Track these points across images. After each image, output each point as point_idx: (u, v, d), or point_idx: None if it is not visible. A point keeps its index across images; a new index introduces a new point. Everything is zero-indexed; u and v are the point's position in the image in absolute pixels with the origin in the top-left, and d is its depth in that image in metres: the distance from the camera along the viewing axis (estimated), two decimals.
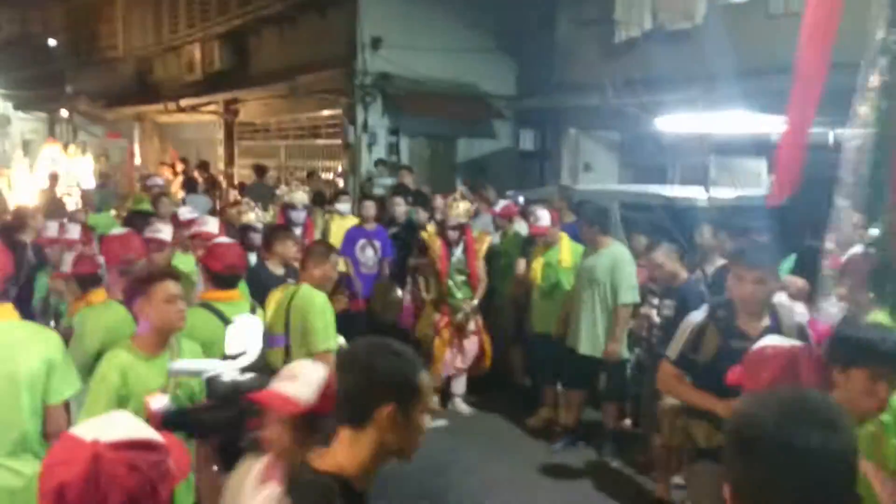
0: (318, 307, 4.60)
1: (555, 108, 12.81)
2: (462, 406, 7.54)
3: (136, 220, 6.76)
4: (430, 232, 7.58)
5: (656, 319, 5.80)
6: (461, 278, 7.28)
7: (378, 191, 11.09)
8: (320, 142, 14.71)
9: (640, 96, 9.28)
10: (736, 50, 8.69)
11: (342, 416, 1.95)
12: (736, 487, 1.35)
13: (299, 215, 7.93)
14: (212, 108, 17.45)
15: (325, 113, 14.18)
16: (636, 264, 6.77)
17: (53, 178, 14.47)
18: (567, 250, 6.87)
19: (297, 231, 7.46)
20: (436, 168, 13.68)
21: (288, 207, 7.90)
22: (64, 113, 23.41)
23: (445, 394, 7.55)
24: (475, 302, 7.32)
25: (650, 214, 7.71)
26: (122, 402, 3.34)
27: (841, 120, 7.19)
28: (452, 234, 7.26)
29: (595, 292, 6.34)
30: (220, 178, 16.49)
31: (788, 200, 7.44)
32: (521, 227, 8.06)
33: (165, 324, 3.49)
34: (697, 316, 3.84)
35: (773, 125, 7.62)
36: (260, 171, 13.49)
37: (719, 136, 9.13)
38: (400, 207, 9.03)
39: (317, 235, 8.31)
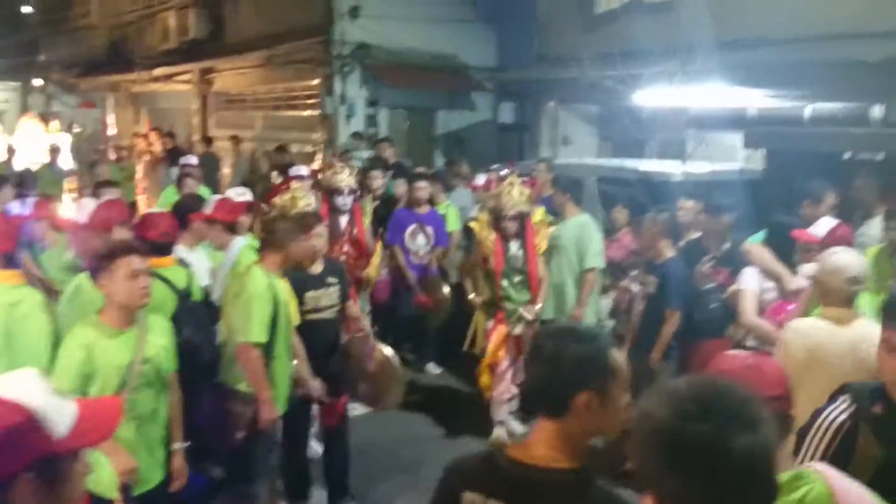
0: (251, 293, 4.18)
1: (535, 81, 12.72)
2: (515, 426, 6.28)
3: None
4: (480, 221, 6.19)
5: (635, 290, 5.79)
6: (518, 278, 5.97)
7: (356, 164, 11.00)
8: (298, 113, 14.56)
9: (619, 69, 9.22)
10: (714, 23, 8.65)
11: (540, 408, 1.95)
12: (667, 501, 1.32)
13: (346, 201, 6.74)
14: (187, 77, 17.18)
15: (303, 83, 14.01)
16: (616, 238, 6.78)
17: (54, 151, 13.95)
18: (539, 219, 6.85)
19: (344, 219, 6.72)
20: (414, 140, 13.59)
21: (333, 193, 6.70)
22: (37, 82, 23.00)
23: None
24: (538, 307, 5.97)
25: (627, 189, 7.71)
26: (87, 378, 3.31)
27: (817, 94, 7.25)
28: (510, 227, 5.86)
29: (562, 259, 6.39)
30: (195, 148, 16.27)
31: (761, 174, 7.50)
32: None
33: (128, 300, 3.43)
34: (836, 414, 2.52)
35: (749, 98, 7.61)
36: (208, 141, 13.37)
37: (697, 110, 9.11)
38: (378, 181, 8.94)
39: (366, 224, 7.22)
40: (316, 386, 4.65)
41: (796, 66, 7.43)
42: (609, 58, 9.39)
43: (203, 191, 8.32)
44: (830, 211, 5.71)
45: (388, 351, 5.14)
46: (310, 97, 13.98)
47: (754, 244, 5.07)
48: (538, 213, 6.14)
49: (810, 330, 3.54)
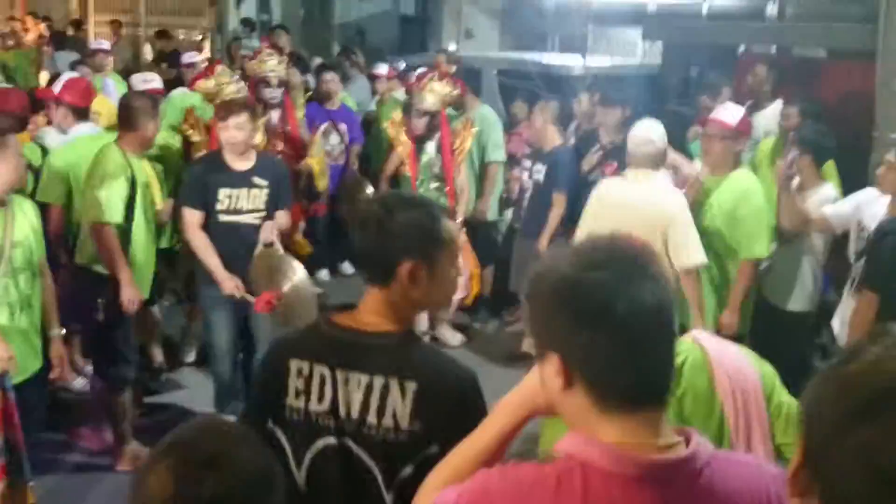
0: (104, 172, 4.06)
1: None
2: (448, 333, 6.08)
3: None
4: (394, 122, 5.74)
5: (528, 183, 5.76)
6: (435, 185, 5.56)
7: (244, 52, 10.42)
8: None
9: None
10: None
11: (366, 275, 1.92)
12: (573, 361, 1.27)
13: (275, 93, 5.91)
14: None
15: None
16: (516, 132, 6.69)
17: None
18: None
19: (275, 114, 5.91)
20: (311, 29, 12.99)
21: (260, 83, 5.86)
22: None
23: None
24: (458, 220, 5.40)
25: (528, 82, 7.62)
26: None
27: None
28: (418, 125, 5.48)
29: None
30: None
31: (658, 67, 7.51)
32: (399, 94, 7.78)
33: (12, 179, 3.31)
34: None
35: None
36: (77, 25, 12.42)
37: (598, 4, 9.01)
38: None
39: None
40: (230, 284, 4.16)
41: None
42: None
43: (116, 79, 7.79)
44: (725, 102, 5.76)
45: (300, 273, 4.26)
46: None
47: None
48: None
49: (608, 184, 4.40)
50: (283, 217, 4.38)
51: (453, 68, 7.62)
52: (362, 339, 1.88)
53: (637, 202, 4.04)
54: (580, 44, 9.20)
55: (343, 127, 7.12)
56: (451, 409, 1.80)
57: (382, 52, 10.03)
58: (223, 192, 4.21)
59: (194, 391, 5.02)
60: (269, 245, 4.16)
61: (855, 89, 5.77)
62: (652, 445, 1.25)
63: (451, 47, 11.48)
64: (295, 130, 6.14)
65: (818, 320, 4.60)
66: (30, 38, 13.05)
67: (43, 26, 13.55)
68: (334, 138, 7.06)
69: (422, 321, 5.73)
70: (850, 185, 4.67)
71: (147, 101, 4.37)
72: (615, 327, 1.23)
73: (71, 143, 4.68)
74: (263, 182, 4.28)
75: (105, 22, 13.70)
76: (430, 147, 5.47)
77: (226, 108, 4.27)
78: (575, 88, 6.84)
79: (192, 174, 4.38)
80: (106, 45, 8.41)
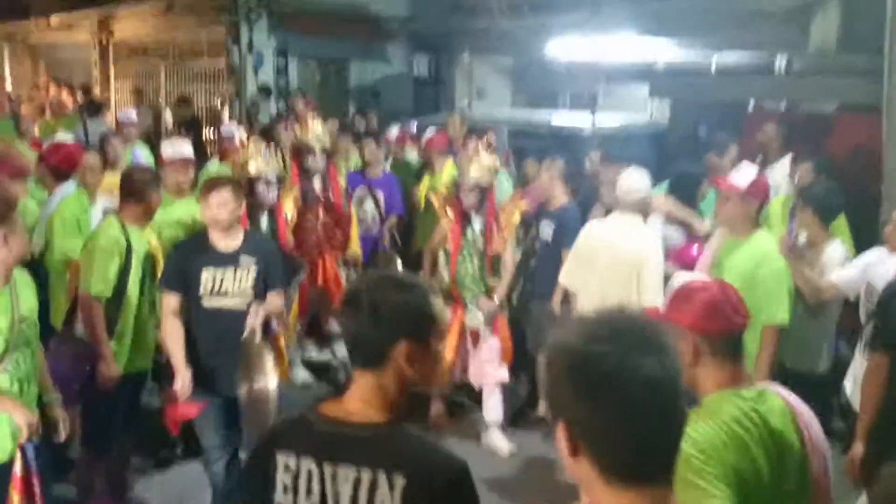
0: (96, 243, 4.05)
1: (448, 33, 12.52)
2: (498, 440, 5.32)
3: None
4: (440, 194, 5.43)
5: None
6: (478, 263, 5.21)
7: (263, 118, 10.63)
8: (203, 64, 13.97)
9: (527, 18, 9.11)
10: None
11: (356, 360, 1.87)
12: (577, 433, 1.29)
13: (318, 161, 5.80)
14: (86, 26, 16.32)
15: (208, 32, 13.42)
16: (528, 191, 6.71)
17: None
18: (448, 174, 6.74)
19: (317, 182, 5.85)
20: (327, 93, 13.23)
21: (304, 152, 5.77)
22: None
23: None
24: (496, 300, 5.18)
25: (539, 141, 7.68)
26: None
27: (722, 44, 7.29)
28: (469, 200, 5.09)
29: None
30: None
31: (668, 124, 7.56)
32: (412, 155, 7.86)
33: (19, 254, 3.24)
34: None
35: (657, 50, 7.61)
36: (86, 91, 12.55)
37: (607, 62, 9.11)
38: (286, 134, 8.63)
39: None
40: (180, 379, 3.79)
41: (704, 14, 7.45)
42: (519, 8, 9.27)
43: (143, 148, 7.87)
44: (733, 161, 5.77)
45: (270, 380, 3.84)
46: (215, 47, 13.41)
47: (657, 194, 5.08)
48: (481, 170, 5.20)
49: (594, 224, 4.83)
50: (274, 300, 4.03)
51: (464, 129, 7.73)
52: (349, 431, 1.82)
53: (618, 242, 4.51)
54: (590, 101, 9.30)
55: (380, 195, 6.78)
56: (441, 501, 1.76)
57: (397, 114, 10.18)
58: (206, 274, 3.86)
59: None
60: (253, 333, 3.80)
61: (863, 144, 5.76)
62: None
63: (464, 107, 11.67)
64: (338, 199, 5.98)
65: (832, 378, 4.52)
66: (64, 102, 13.40)
67: (66, 92, 13.92)
68: (369, 205, 6.77)
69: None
70: (861, 239, 4.63)
71: (149, 173, 4.40)
72: (613, 400, 1.23)
73: (64, 205, 4.77)
74: (250, 261, 3.94)
75: (126, 88, 14.04)
76: (477, 223, 5.17)
77: (208, 184, 3.96)
78: (585, 147, 6.88)
79: (174, 253, 4.02)
80: (133, 116, 8.37)
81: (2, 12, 18.58)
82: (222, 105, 12.94)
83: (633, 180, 4.57)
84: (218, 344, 3.84)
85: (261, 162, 4.90)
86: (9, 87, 19.47)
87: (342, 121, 9.80)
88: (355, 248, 6.16)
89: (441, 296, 4.15)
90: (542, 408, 5.78)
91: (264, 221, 5.03)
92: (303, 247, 5.75)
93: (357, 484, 1.79)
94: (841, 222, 4.73)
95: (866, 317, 3.86)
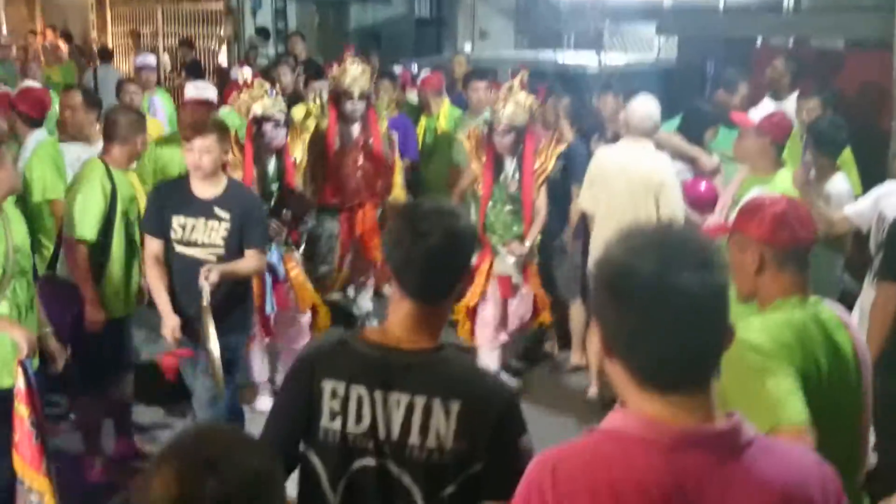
0: (82, 186, 4.01)
1: None
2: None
3: None
4: (472, 135, 5.00)
5: None
6: (509, 207, 4.89)
7: (262, 61, 10.49)
8: (200, 6, 13.74)
9: None
10: None
11: (422, 295, 1.82)
12: (610, 337, 1.34)
13: (356, 106, 5.49)
14: None
15: None
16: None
17: None
18: (444, 116, 6.72)
19: (355, 128, 5.58)
20: (326, 36, 13.04)
21: (342, 95, 5.46)
22: None
23: None
24: (527, 244, 4.88)
25: (544, 81, 7.59)
26: None
27: None
28: (503, 142, 4.76)
29: None
30: (93, 46, 15.33)
31: (676, 63, 7.48)
32: (413, 96, 7.80)
33: (12, 187, 3.38)
34: None
35: None
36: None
37: (612, 1, 8.98)
38: (286, 77, 8.50)
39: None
40: (167, 325, 3.69)
41: None
42: None
43: (163, 95, 7.72)
44: (743, 98, 5.73)
45: (214, 347, 3.64)
46: None
47: (665, 130, 5.06)
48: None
49: (606, 150, 4.87)
50: (250, 259, 3.83)
51: (467, 69, 7.64)
52: (400, 357, 1.82)
53: (631, 167, 4.58)
54: (596, 41, 9.18)
55: (395, 135, 6.34)
56: (495, 426, 1.77)
57: (398, 56, 10.05)
58: (177, 220, 3.75)
59: None
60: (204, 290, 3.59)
61: (873, 79, 5.71)
62: (689, 420, 1.29)
63: (467, 48, 11.52)
64: (378, 146, 5.64)
65: None
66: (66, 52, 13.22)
67: (61, 41, 13.70)
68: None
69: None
70: (869, 174, 4.62)
71: (133, 115, 4.32)
72: (644, 310, 1.27)
73: (40, 149, 4.73)
74: (225, 214, 3.74)
75: (124, 33, 13.84)
76: (510, 165, 4.87)
77: (192, 127, 3.75)
78: (591, 86, 6.82)
79: (153, 197, 3.90)
80: (151, 60, 7.88)
81: None
82: (220, 47, 12.77)
83: (645, 107, 4.64)
84: (186, 290, 3.71)
85: (267, 102, 4.70)
86: (4, 33, 19.22)
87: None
88: (399, 193, 5.82)
89: None
90: (549, 345, 5.85)
91: (272, 164, 4.82)
92: (340, 194, 5.58)
93: (410, 409, 1.79)
94: (847, 157, 4.72)
95: (876, 248, 3.88)
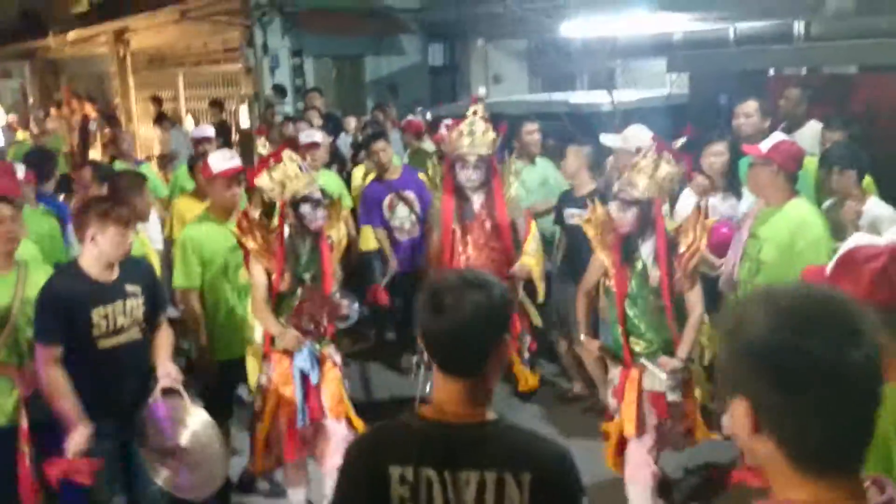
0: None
1: (461, 20, 12.48)
2: None
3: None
4: (594, 214, 4.04)
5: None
6: (654, 304, 3.92)
7: (279, 118, 10.67)
8: (220, 68, 14.07)
9: (540, 0, 9.06)
10: None
11: (453, 369, 1.80)
12: (767, 417, 1.23)
13: (473, 176, 4.66)
14: (103, 39, 16.51)
15: (222, 37, 13.51)
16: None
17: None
18: None
19: (476, 200, 4.75)
20: (343, 89, 13.27)
21: (457, 162, 4.66)
22: None
23: None
24: (681, 355, 3.84)
25: (558, 123, 7.63)
26: None
27: (738, 14, 7.20)
28: (625, 217, 3.84)
29: None
30: (118, 113, 15.72)
31: (687, 98, 7.48)
32: (428, 144, 7.86)
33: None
34: None
35: (674, 23, 7.53)
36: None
37: (623, 39, 9.03)
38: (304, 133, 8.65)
39: None
40: (78, 436, 3.26)
41: None
42: None
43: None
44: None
45: (198, 414, 3.52)
46: (231, 50, 13.50)
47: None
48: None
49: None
50: (165, 326, 3.71)
51: (480, 110, 7.66)
52: (462, 433, 1.78)
53: None
54: (608, 80, 9.24)
55: (409, 195, 6.17)
56: (563, 494, 1.78)
57: (415, 106, 10.17)
58: (97, 314, 3.40)
59: None
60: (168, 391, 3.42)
61: (887, 103, 5.67)
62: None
63: (481, 93, 11.64)
64: (504, 221, 4.72)
65: None
66: (75, 118, 13.59)
67: (89, 106, 14.11)
68: (402, 211, 6.21)
69: None
70: (886, 199, 4.56)
71: (134, 178, 4.47)
72: (813, 396, 1.19)
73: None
74: (136, 289, 3.53)
75: (145, 99, 14.17)
76: (644, 248, 3.87)
77: (116, 210, 3.42)
78: (605, 125, 6.83)
79: (51, 301, 3.37)
80: (209, 132, 7.61)
81: (22, 31, 18.86)
82: (237, 107, 13.02)
83: (641, 133, 4.75)
84: (119, 380, 3.48)
85: (304, 179, 3.97)
86: (31, 101, 19.76)
87: (365, 120, 9.75)
88: (528, 261, 4.73)
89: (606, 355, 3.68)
90: (579, 387, 5.75)
91: (305, 248, 4.05)
92: None
93: (482, 486, 1.74)
94: (868, 183, 4.66)
95: None
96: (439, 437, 1.78)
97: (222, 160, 4.51)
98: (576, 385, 5.82)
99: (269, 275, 3.93)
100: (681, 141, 3.92)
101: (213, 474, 3.46)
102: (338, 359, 4.16)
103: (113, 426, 3.41)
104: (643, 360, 3.85)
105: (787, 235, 3.91)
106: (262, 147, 4.28)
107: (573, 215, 5.46)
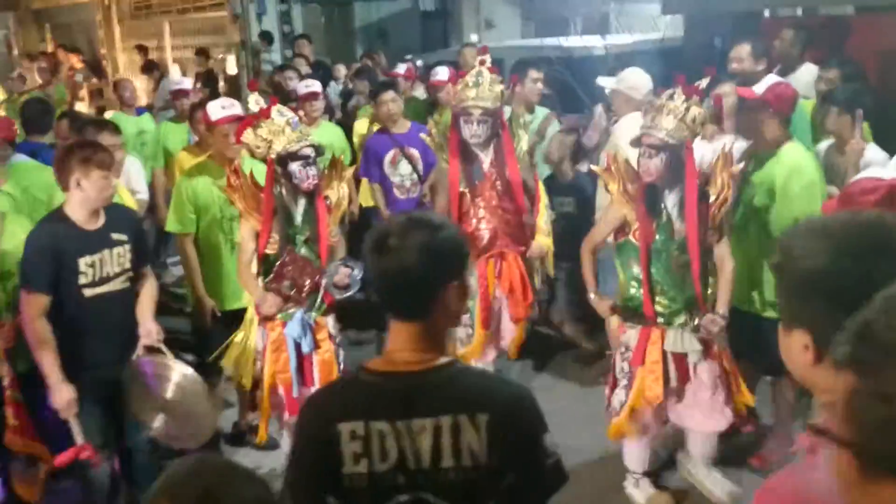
0: None
1: None
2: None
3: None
4: (611, 160, 3.78)
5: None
6: (678, 258, 3.74)
7: (266, 67, 10.49)
8: (206, 15, 13.79)
9: None
10: None
11: (400, 312, 1.78)
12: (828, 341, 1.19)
13: (478, 131, 4.30)
14: None
15: None
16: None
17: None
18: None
19: (485, 158, 4.42)
20: (332, 36, 13.03)
21: (461, 116, 4.31)
22: None
23: None
24: (721, 312, 3.65)
25: (550, 67, 7.52)
26: None
27: None
28: (650, 164, 3.54)
29: None
30: (103, 63, 15.47)
31: (683, 41, 7.36)
32: (420, 91, 7.73)
33: None
34: None
35: None
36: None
37: None
38: (293, 82, 8.45)
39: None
40: (61, 397, 3.32)
41: None
42: None
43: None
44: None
45: (181, 370, 3.45)
46: None
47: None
48: None
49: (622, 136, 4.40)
50: (150, 278, 3.69)
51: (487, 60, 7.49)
52: (414, 381, 1.75)
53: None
54: (602, 25, 9.09)
55: (414, 152, 5.83)
56: (522, 433, 1.75)
57: (406, 52, 9.99)
58: (84, 262, 3.39)
59: None
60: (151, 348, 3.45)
61: (884, 45, 5.57)
62: None
63: (473, 39, 11.44)
64: (517, 179, 4.38)
65: None
66: (63, 70, 13.33)
67: (75, 58, 13.84)
68: (404, 168, 5.87)
69: None
70: (882, 141, 4.50)
71: (102, 126, 4.46)
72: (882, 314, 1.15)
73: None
74: (123, 237, 3.51)
75: (131, 48, 13.94)
76: (670, 198, 3.61)
77: (94, 154, 3.39)
78: (597, 69, 6.73)
79: (34, 246, 3.35)
80: (187, 83, 7.60)
81: None
82: (227, 55, 12.79)
83: (640, 77, 4.80)
84: (105, 331, 3.47)
85: (292, 135, 3.71)
86: (15, 53, 19.41)
87: (356, 68, 9.54)
88: (543, 240, 4.49)
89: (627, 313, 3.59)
90: (567, 328, 5.66)
91: (299, 209, 3.84)
92: (472, 245, 4.20)
93: (438, 432, 1.72)
94: (864, 130, 4.59)
95: None
96: (390, 388, 1.75)
97: (220, 108, 4.43)
98: (566, 325, 5.65)
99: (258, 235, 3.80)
100: (705, 81, 3.69)
101: (201, 426, 3.47)
102: (334, 330, 3.98)
103: (100, 378, 3.42)
104: (671, 318, 3.63)
105: (781, 180, 3.86)
106: (255, 103, 3.84)
107: (563, 203, 5.28)
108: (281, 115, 3.75)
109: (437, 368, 1.76)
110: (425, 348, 1.77)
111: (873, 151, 4.24)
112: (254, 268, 3.84)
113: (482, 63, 4.33)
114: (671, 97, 3.50)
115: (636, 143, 3.57)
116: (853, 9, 6.52)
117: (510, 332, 4.57)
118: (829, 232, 1.25)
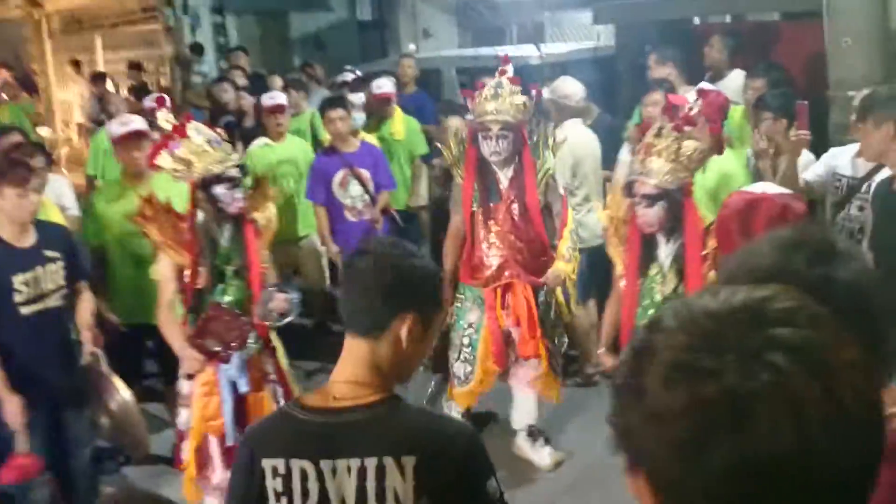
0: None
1: None
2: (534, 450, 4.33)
3: None
4: (614, 213, 3.45)
5: None
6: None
7: (196, 79, 10.31)
8: (139, 28, 13.53)
9: None
10: None
11: (352, 326, 1.74)
12: None
13: (497, 148, 3.99)
14: (17, 2, 15.74)
15: None
16: None
17: None
18: (399, 121, 6.61)
19: (503, 177, 4.10)
20: (269, 47, 12.88)
21: (479, 132, 4.00)
22: None
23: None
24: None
25: (488, 77, 7.57)
26: None
27: None
28: (647, 214, 3.22)
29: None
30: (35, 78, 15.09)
31: (616, 50, 7.49)
32: (357, 97, 7.71)
33: None
34: None
35: None
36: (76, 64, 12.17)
37: None
38: (228, 94, 8.31)
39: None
40: (13, 409, 3.33)
41: None
42: None
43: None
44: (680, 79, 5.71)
45: (124, 393, 3.51)
46: (149, 9, 12.96)
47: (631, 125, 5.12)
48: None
49: (570, 142, 4.41)
50: (87, 292, 3.70)
51: (416, 72, 7.56)
52: (343, 419, 1.68)
53: (595, 146, 4.93)
54: (537, 34, 9.19)
55: (364, 173, 5.58)
56: (456, 476, 1.66)
57: (343, 63, 9.94)
58: (18, 280, 3.36)
59: None
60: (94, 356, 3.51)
61: (809, 50, 5.74)
62: None
63: (411, 49, 11.46)
64: (534, 202, 4.03)
65: None
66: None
67: (6, 73, 13.48)
68: (355, 189, 5.59)
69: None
70: (812, 146, 4.63)
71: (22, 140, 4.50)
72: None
73: None
74: (56, 254, 3.50)
75: (62, 63, 13.60)
76: (663, 250, 3.27)
77: (10, 176, 3.34)
78: (533, 77, 6.80)
79: None
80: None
81: None
82: (158, 69, 12.58)
83: (572, 85, 5.04)
84: (44, 348, 3.46)
85: (214, 156, 3.41)
86: None
87: (290, 77, 9.49)
88: (563, 267, 4.05)
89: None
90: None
91: (225, 234, 3.52)
92: (481, 271, 4.07)
93: (363, 474, 1.66)
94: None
95: (833, 206, 3.89)
96: (318, 424, 1.70)
97: (118, 125, 4.55)
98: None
99: (182, 270, 3.44)
100: (692, 94, 3.58)
101: (138, 440, 3.57)
102: (271, 368, 3.61)
103: (40, 395, 3.42)
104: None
105: (713, 185, 3.97)
106: (165, 121, 3.56)
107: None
108: (198, 133, 3.44)
109: (370, 406, 1.69)
110: (366, 380, 1.71)
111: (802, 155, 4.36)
112: (178, 309, 3.53)
113: (502, 73, 4.06)
114: (659, 134, 3.13)
115: (628, 191, 3.20)
116: (779, 16, 6.71)
117: (524, 369, 4.15)
118: (778, 234, 1.31)
